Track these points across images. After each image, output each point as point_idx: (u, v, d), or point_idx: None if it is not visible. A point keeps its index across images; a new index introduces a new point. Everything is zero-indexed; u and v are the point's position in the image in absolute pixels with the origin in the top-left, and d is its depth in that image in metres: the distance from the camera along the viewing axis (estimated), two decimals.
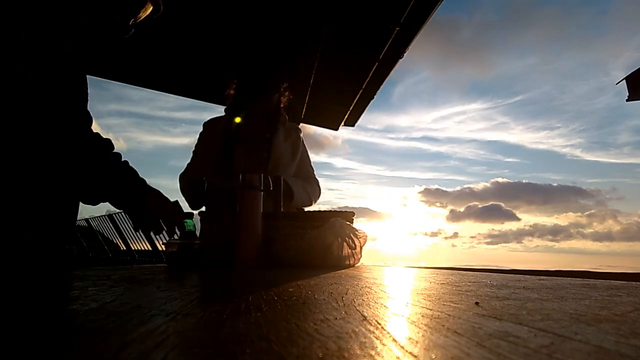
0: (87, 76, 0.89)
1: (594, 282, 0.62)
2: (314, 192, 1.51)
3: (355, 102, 2.58)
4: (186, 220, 1.01)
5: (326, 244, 1.01)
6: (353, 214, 1.20)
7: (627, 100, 3.68)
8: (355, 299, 0.39)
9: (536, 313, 0.32)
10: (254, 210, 0.98)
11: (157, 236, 1.07)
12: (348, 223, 1.10)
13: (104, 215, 7.51)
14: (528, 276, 0.74)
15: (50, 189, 0.80)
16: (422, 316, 0.30)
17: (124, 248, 7.44)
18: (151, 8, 0.84)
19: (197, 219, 1.14)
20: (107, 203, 0.99)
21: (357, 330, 0.25)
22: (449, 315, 0.31)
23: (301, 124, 2.70)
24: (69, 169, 0.83)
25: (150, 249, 6.65)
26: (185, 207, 1.11)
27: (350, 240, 1.06)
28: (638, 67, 3.55)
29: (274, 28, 1.88)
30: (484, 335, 0.24)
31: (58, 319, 0.30)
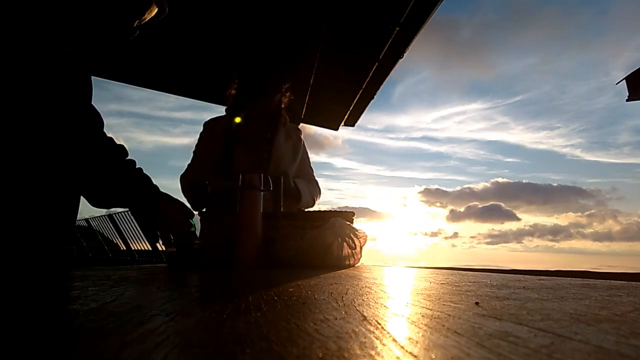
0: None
1: (594, 282, 0.62)
2: (316, 193, 1.52)
3: (355, 102, 2.58)
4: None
5: (326, 244, 1.01)
6: (353, 214, 1.20)
7: (627, 100, 3.68)
8: (355, 299, 0.39)
9: (536, 313, 0.32)
10: (254, 210, 0.98)
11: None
12: (348, 223, 1.10)
13: (104, 215, 7.51)
14: (528, 276, 0.74)
15: (50, 189, 0.80)
16: (422, 316, 0.30)
17: (124, 248, 7.44)
18: (156, 10, 0.84)
19: (197, 219, 1.14)
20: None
21: (357, 330, 0.25)
22: (449, 315, 0.31)
23: (301, 124, 2.70)
24: (69, 169, 0.83)
25: (150, 249, 6.66)
26: None
27: (350, 240, 1.06)
28: (638, 67, 3.55)
29: (274, 28, 1.88)
30: (484, 335, 0.24)
31: (58, 319, 0.30)
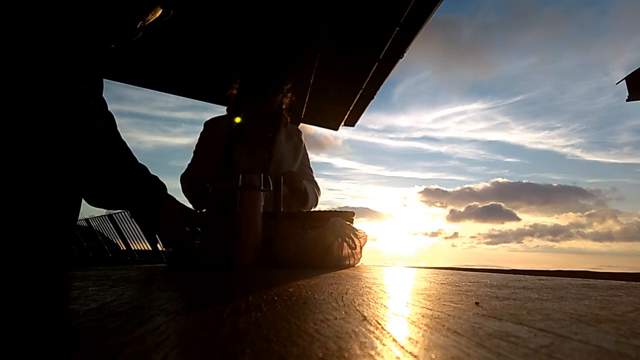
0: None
1: (594, 282, 0.62)
2: (318, 194, 1.53)
3: (355, 102, 2.58)
4: None
5: (326, 244, 1.01)
6: (353, 214, 1.20)
7: (627, 100, 3.68)
8: (355, 299, 0.39)
9: (536, 313, 0.32)
10: (254, 210, 0.98)
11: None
12: (348, 223, 1.10)
13: (104, 215, 7.51)
14: (528, 276, 0.74)
15: (51, 189, 0.80)
16: (422, 316, 0.30)
17: (124, 248, 7.45)
18: (160, 11, 0.84)
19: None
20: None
21: (357, 330, 0.25)
22: (449, 315, 0.31)
23: (301, 124, 2.70)
24: (70, 169, 0.83)
25: (150, 249, 6.65)
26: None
27: (350, 240, 1.06)
28: (638, 67, 3.55)
29: (274, 28, 1.88)
30: (484, 335, 0.24)
31: (58, 319, 0.30)
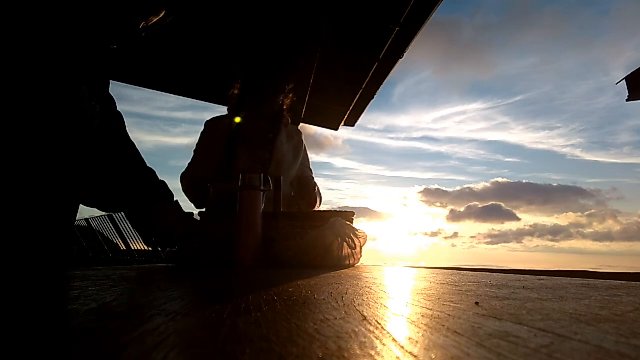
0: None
1: (594, 282, 0.62)
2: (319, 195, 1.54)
3: (355, 102, 2.58)
4: None
5: (326, 244, 1.01)
6: (353, 214, 1.20)
7: (627, 100, 3.68)
8: (355, 299, 0.39)
9: (536, 313, 0.32)
10: (254, 210, 0.98)
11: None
12: (348, 223, 1.10)
13: (104, 215, 7.50)
14: (528, 276, 0.74)
15: (48, 188, 0.80)
16: (422, 316, 0.30)
17: (124, 248, 7.44)
18: (164, 13, 0.84)
19: (197, 219, 1.14)
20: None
21: (357, 330, 0.25)
22: (449, 315, 0.31)
23: (301, 124, 2.70)
24: (67, 168, 0.83)
25: (150, 249, 6.63)
26: (186, 207, 1.12)
27: (350, 240, 1.06)
28: (638, 67, 3.55)
29: (274, 28, 1.88)
30: (484, 335, 0.24)
31: (58, 319, 0.30)
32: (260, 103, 1.43)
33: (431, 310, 0.33)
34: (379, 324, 0.27)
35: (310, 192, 1.41)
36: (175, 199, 1.07)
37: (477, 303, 0.37)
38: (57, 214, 0.84)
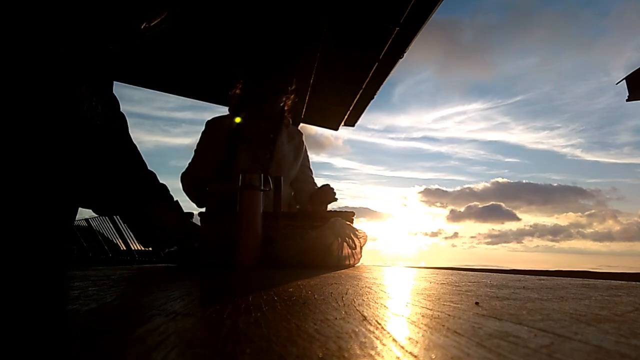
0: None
1: (594, 282, 0.62)
2: None
3: (355, 102, 2.58)
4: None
5: (326, 244, 1.01)
6: (353, 214, 1.20)
7: (627, 100, 3.68)
8: (355, 299, 0.39)
9: (536, 313, 0.32)
10: (254, 210, 0.98)
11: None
12: (348, 223, 1.10)
13: (104, 216, 7.49)
14: (528, 276, 0.74)
15: (49, 189, 0.80)
16: (422, 316, 0.30)
17: (124, 248, 7.43)
18: (166, 14, 0.84)
19: (197, 219, 1.14)
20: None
21: (357, 330, 0.25)
22: (449, 315, 0.31)
23: (301, 124, 2.70)
24: (68, 169, 0.83)
25: (150, 249, 6.62)
26: (186, 207, 1.12)
27: (350, 240, 1.06)
28: (638, 67, 3.55)
29: (274, 28, 1.88)
30: (484, 335, 0.24)
31: (58, 319, 0.30)
32: (263, 103, 1.43)
33: (431, 310, 0.33)
34: (379, 324, 0.27)
35: (331, 197, 1.41)
36: (175, 200, 1.07)
37: (477, 303, 0.37)
38: (57, 214, 0.84)
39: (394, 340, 0.23)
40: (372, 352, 0.20)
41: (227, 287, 0.55)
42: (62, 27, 0.76)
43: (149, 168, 1.02)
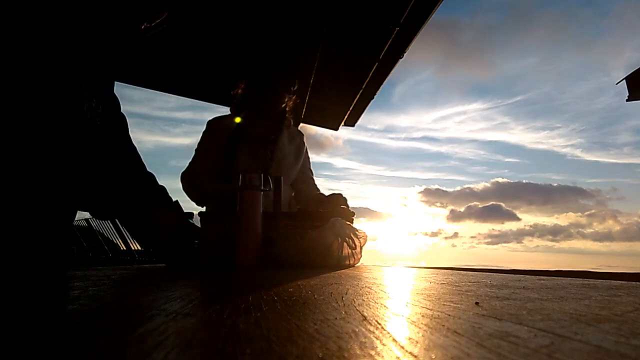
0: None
1: (594, 282, 0.62)
2: None
3: (355, 102, 2.58)
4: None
5: (326, 244, 1.01)
6: (353, 214, 1.20)
7: (627, 100, 3.68)
8: (355, 299, 0.39)
9: (536, 313, 0.32)
10: (254, 210, 0.98)
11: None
12: (348, 223, 1.10)
13: (101, 219, 7.49)
14: (528, 276, 0.74)
15: (49, 189, 0.80)
16: (422, 316, 0.30)
17: (124, 248, 7.43)
18: (166, 14, 0.84)
19: (197, 219, 1.14)
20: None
21: (357, 330, 0.25)
22: (449, 315, 0.31)
23: (301, 124, 2.70)
24: (68, 169, 0.83)
25: (150, 250, 6.61)
26: (187, 207, 1.12)
27: (350, 240, 1.06)
28: (638, 67, 3.55)
29: (274, 28, 1.88)
30: (484, 335, 0.24)
31: (58, 319, 0.30)
32: (264, 103, 1.43)
33: (431, 310, 0.33)
34: (379, 324, 0.27)
35: (343, 202, 1.38)
36: (175, 200, 1.07)
37: (477, 303, 0.37)
38: (57, 214, 0.84)
39: (394, 340, 0.23)
40: (372, 352, 0.20)
41: (227, 287, 0.55)
42: (62, 27, 0.76)
43: (148, 169, 1.03)
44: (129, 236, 7.09)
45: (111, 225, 7.42)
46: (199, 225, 1.11)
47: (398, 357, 0.19)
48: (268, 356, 0.19)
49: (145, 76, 2.47)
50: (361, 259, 1.14)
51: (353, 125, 3.03)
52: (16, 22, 0.71)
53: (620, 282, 0.63)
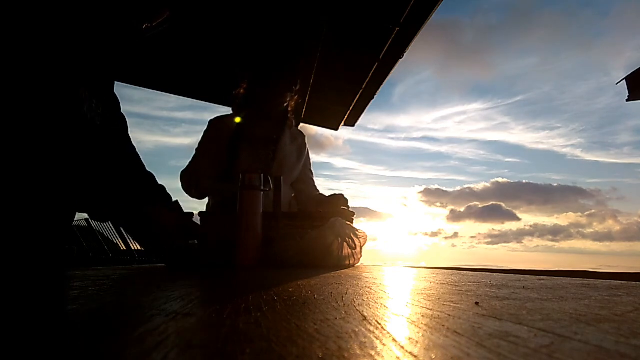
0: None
1: (594, 282, 0.62)
2: None
3: (355, 102, 2.58)
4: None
5: (326, 244, 1.01)
6: (353, 214, 1.20)
7: (627, 100, 3.68)
8: (355, 299, 0.39)
9: (536, 313, 0.32)
10: (254, 210, 0.98)
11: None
12: (348, 223, 1.10)
13: (100, 221, 7.48)
14: (528, 276, 0.74)
15: (49, 189, 0.80)
16: (422, 316, 0.30)
17: (124, 248, 7.43)
18: (167, 14, 0.84)
19: (197, 219, 1.14)
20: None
21: (357, 330, 0.25)
22: (449, 315, 0.31)
23: (301, 124, 2.70)
24: (67, 169, 0.83)
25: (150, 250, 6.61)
26: (187, 207, 1.12)
27: (350, 240, 1.06)
28: (638, 67, 3.55)
29: (274, 28, 1.88)
30: (484, 335, 0.24)
31: (58, 319, 0.30)
32: (265, 103, 1.43)
33: (431, 310, 0.33)
34: (379, 324, 0.27)
35: (344, 203, 1.38)
36: (175, 199, 1.07)
37: (477, 303, 0.37)
38: (57, 214, 0.84)
39: (394, 340, 0.23)
40: (372, 352, 0.20)
41: (227, 287, 0.55)
42: (63, 27, 0.76)
43: (147, 169, 1.03)
44: (129, 236, 7.09)
45: (111, 225, 7.42)
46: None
47: (398, 357, 0.19)
48: (268, 356, 0.19)
49: (145, 76, 2.47)
50: (361, 259, 1.14)
51: (353, 125, 3.03)
52: (16, 22, 0.71)
53: (620, 282, 0.63)
